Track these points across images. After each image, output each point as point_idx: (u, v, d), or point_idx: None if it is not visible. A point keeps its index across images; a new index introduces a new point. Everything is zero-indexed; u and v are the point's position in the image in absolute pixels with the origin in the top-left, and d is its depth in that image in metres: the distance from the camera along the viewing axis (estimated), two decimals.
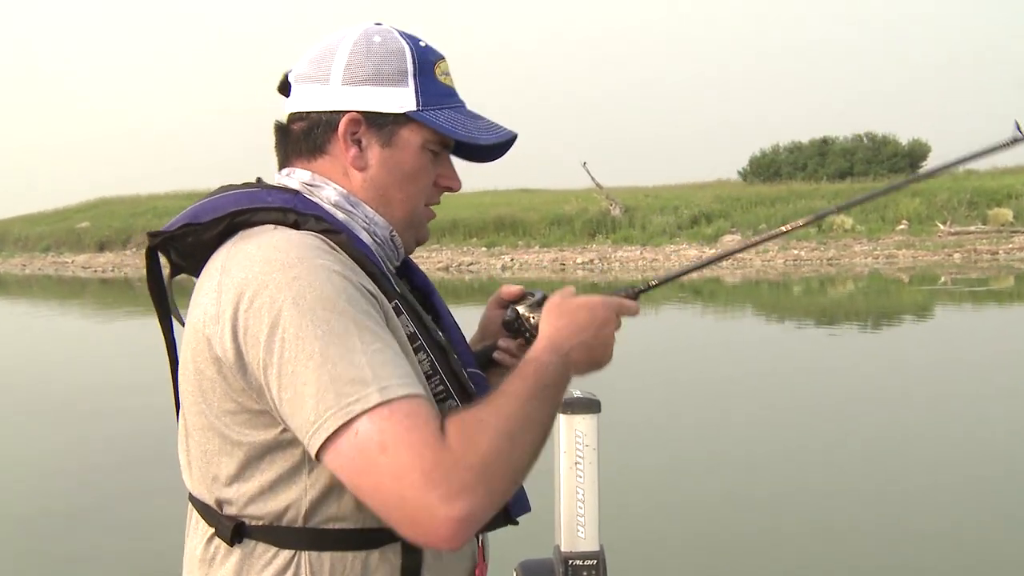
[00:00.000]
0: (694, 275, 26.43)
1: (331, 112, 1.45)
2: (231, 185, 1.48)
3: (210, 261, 1.38)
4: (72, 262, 39.65)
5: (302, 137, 1.48)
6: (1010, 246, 28.38)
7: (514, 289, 1.68)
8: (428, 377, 1.39)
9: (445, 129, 1.46)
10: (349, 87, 1.45)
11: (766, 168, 42.75)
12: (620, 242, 32.47)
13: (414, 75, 1.46)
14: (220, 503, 1.35)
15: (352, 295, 1.27)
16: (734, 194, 35.96)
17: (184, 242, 1.42)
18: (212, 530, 1.37)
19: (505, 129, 1.51)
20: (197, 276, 1.41)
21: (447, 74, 1.51)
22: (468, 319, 1.65)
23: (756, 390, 10.44)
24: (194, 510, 1.42)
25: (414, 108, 1.45)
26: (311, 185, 1.46)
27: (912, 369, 11.56)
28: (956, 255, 27.82)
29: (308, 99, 1.47)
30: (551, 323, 1.45)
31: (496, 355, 1.66)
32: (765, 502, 6.58)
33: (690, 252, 30.36)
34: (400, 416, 1.19)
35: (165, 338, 1.46)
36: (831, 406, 9.57)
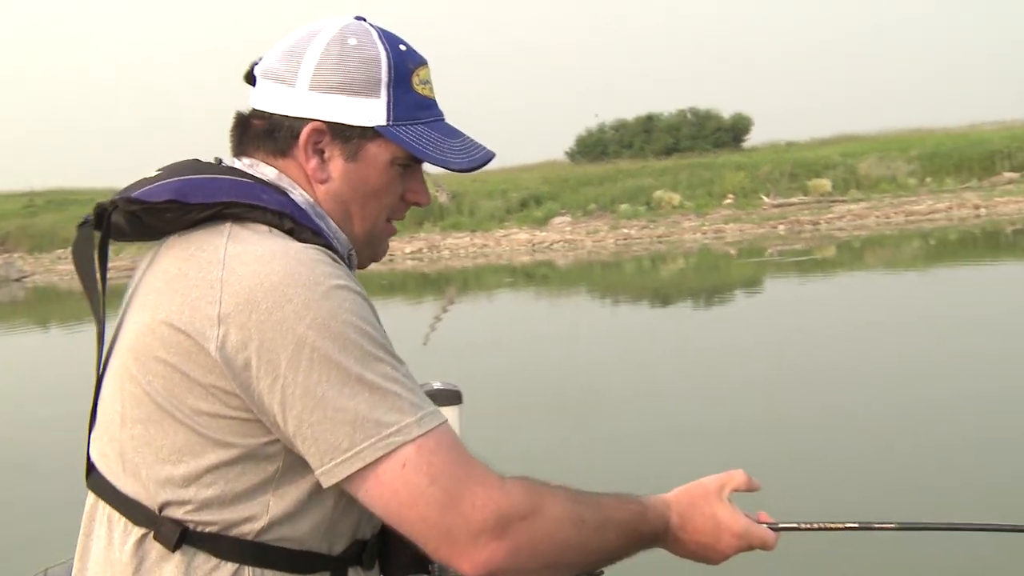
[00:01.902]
0: (525, 259, 26.55)
1: (295, 118, 1.38)
2: (203, 165, 1.39)
3: (193, 248, 1.30)
4: None
5: (263, 136, 1.40)
6: (830, 215, 29.10)
7: None
8: None
9: (415, 149, 1.38)
10: (316, 94, 1.36)
11: (593, 147, 42.83)
12: (449, 229, 31.84)
13: (388, 85, 1.37)
14: (164, 505, 1.27)
15: (373, 319, 1.27)
16: (562, 175, 35.86)
17: (159, 216, 1.31)
18: (143, 531, 1.28)
19: (481, 151, 1.44)
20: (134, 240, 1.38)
21: (426, 83, 1.43)
22: None
23: (609, 373, 10.44)
24: (108, 507, 1.32)
25: (384, 123, 1.38)
26: (277, 185, 1.38)
27: (745, 347, 11.45)
28: (781, 227, 28.35)
29: (272, 99, 1.39)
30: (689, 506, 1.44)
31: None
32: (631, 488, 6.20)
33: (521, 236, 29.98)
34: (445, 448, 1.24)
35: (94, 311, 1.34)
36: (697, 386, 9.49)
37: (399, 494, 1.22)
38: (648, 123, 42.65)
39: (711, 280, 20.40)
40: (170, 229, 1.34)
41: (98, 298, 1.36)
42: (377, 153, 1.39)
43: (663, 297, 18.13)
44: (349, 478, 1.23)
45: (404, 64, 1.39)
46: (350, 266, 1.43)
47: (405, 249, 29.89)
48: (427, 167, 1.46)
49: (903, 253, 22.16)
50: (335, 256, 1.32)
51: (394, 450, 1.21)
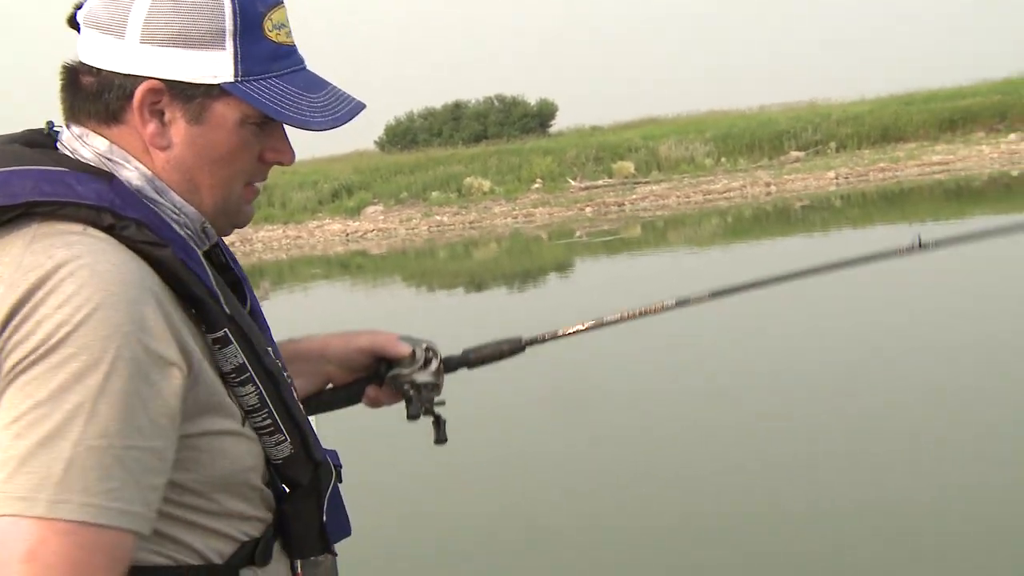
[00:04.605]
0: (340, 249, 26.42)
1: (125, 75, 1.19)
2: (13, 141, 1.22)
3: None
4: None
5: (92, 97, 1.22)
6: (634, 196, 30.07)
7: (403, 350, 1.58)
8: (255, 411, 1.23)
9: (268, 108, 1.21)
10: (149, 47, 1.18)
11: (402, 136, 42.85)
12: (261, 222, 31.23)
13: (234, 35, 1.20)
14: None
15: (138, 369, 1.06)
16: (373, 164, 35.70)
17: None
18: None
19: (347, 105, 1.27)
20: None
21: (282, 26, 1.25)
22: None
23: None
24: None
25: (230, 79, 1.21)
26: (108, 159, 1.21)
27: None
28: (588, 209, 29.13)
29: (98, 53, 1.20)
30: None
31: (365, 401, 1.63)
32: (473, 488, 6.37)
33: (334, 226, 29.80)
34: (84, 543, 1.01)
35: None
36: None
37: None
38: (456, 111, 42.97)
39: (524, 263, 20.88)
40: None
41: None
42: (225, 113, 1.22)
43: (477, 281, 18.46)
44: None
45: (253, 7, 1.22)
46: (208, 239, 1.30)
47: None
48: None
49: (703, 230, 23.20)
50: (159, 252, 1.15)
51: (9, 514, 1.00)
